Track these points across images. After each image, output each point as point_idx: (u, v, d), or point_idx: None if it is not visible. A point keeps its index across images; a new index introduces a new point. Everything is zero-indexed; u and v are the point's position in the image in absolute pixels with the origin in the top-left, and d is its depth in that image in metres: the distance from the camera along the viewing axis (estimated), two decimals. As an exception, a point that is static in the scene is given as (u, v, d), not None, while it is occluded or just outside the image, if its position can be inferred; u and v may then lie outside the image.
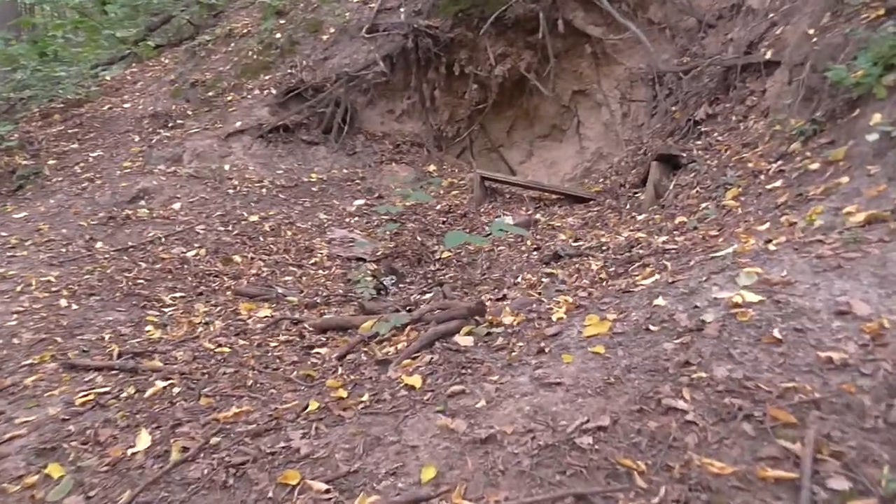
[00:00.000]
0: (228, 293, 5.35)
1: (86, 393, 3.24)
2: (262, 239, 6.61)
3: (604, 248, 4.91)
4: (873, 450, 2.06)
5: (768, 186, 4.31)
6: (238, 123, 8.78)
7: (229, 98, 9.42)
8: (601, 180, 7.95)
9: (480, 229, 7.26)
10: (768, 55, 6.13)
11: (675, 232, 4.58)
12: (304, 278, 5.88)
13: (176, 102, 9.74)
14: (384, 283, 5.18)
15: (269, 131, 8.70)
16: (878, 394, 2.23)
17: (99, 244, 6.20)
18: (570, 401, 2.42)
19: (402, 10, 9.71)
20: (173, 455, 2.70)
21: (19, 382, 3.51)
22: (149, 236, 6.41)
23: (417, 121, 9.73)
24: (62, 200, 7.35)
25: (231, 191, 7.63)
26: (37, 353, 3.90)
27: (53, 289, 5.07)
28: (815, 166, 4.15)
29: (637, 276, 3.66)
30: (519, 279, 4.59)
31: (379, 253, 6.46)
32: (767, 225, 3.60)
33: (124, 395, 3.21)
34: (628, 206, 6.42)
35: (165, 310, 4.89)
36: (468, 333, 3.30)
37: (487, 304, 3.95)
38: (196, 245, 6.24)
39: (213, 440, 2.79)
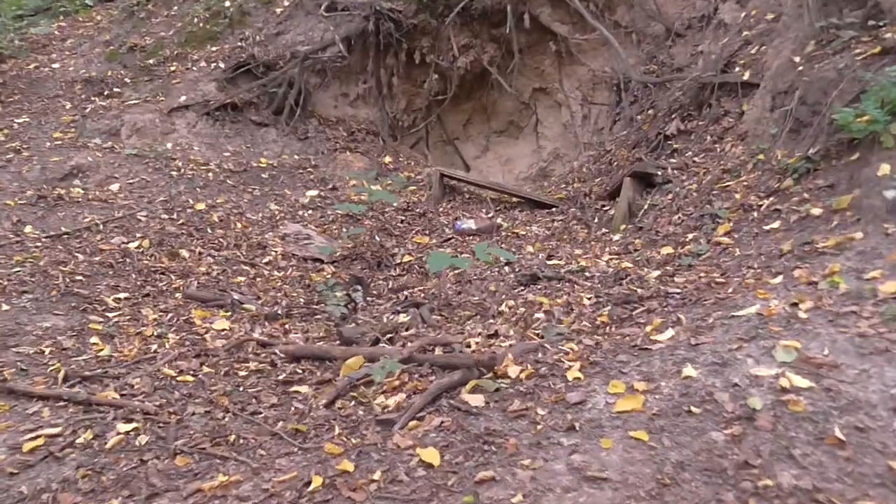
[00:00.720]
0: (178, 295, 4.95)
1: (33, 435, 2.82)
2: (210, 231, 6.16)
3: (587, 273, 4.73)
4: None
5: (765, 227, 4.19)
6: (182, 98, 8.19)
7: (172, 68, 8.77)
8: (563, 186, 7.79)
9: (440, 231, 7.03)
10: (746, 76, 6.07)
11: (666, 266, 4.43)
12: (258, 280, 5.51)
13: (112, 67, 9.01)
14: (353, 297, 4.88)
15: (216, 109, 8.14)
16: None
17: (28, 228, 5.63)
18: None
19: (363, -11, 9.26)
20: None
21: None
22: (85, 221, 5.87)
23: (373, 107, 9.34)
24: (-17, 173, 6.66)
25: (175, 173, 7.09)
26: (-36, 370, 3.42)
27: (-22, 283, 4.55)
28: (817, 212, 4.03)
29: (645, 324, 3.48)
30: (503, 306, 4.36)
31: (337, 254, 6.14)
32: (781, 279, 3.47)
33: (80, 440, 2.81)
34: (596, 221, 6.28)
35: (109, 315, 4.45)
36: (475, 387, 3.06)
37: (480, 346, 3.72)
38: (138, 235, 5.75)
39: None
